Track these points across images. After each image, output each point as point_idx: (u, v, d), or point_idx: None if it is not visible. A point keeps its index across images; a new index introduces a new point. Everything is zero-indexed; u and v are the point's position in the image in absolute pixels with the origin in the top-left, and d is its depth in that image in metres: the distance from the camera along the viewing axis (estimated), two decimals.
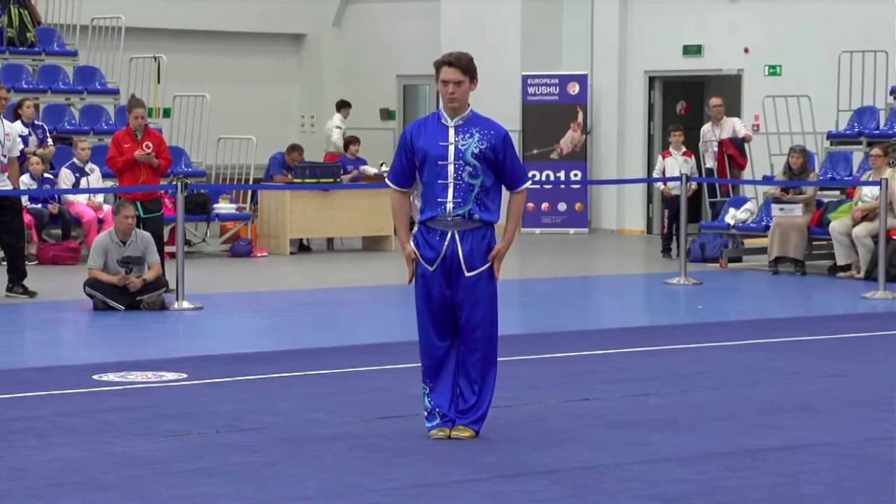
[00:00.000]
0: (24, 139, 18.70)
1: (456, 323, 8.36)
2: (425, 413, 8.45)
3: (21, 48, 22.47)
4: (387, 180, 8.57)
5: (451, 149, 8.25)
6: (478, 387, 8.37)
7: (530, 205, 25.05)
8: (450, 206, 8.23)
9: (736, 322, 14.33)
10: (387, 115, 27.66)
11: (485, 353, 8.37)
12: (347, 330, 13.86)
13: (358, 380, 10.65)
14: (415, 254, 8.34)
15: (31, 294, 15.26)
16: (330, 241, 22.01)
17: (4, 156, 15.17)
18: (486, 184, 8.28)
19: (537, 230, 24.79)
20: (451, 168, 8.23)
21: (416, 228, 8.42)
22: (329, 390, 10.16)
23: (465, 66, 8.37)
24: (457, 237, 8.28)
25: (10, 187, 15.33)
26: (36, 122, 20.13)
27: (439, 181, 8.24)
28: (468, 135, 8.29)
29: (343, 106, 24.93)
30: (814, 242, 18.75)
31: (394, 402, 9.48)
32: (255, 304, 15.90)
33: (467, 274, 8.29)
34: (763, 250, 19.03)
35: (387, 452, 8.09)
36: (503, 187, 8.46)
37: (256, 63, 27.36)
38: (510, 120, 24.78)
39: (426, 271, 8.32)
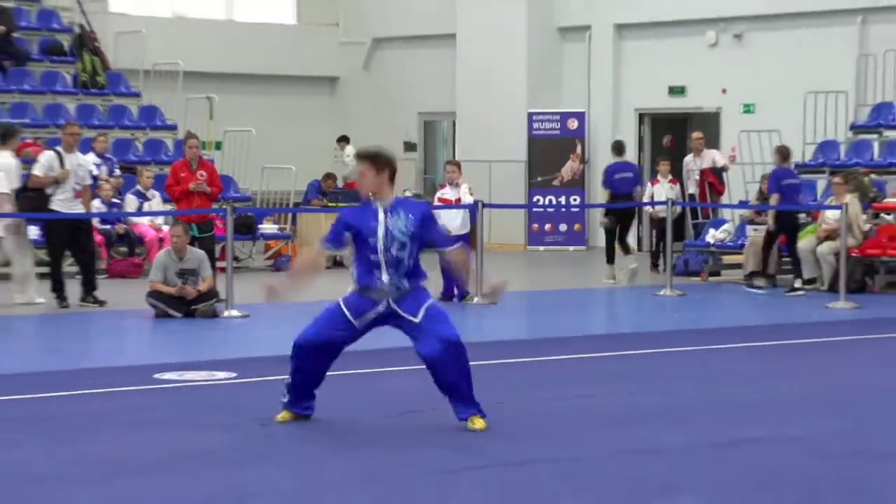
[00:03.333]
0: (98, 168, 18.77)
1: (423, 353, 8.27)
2: (287, 399, 8.45)
3: (93, 90, 22.52)
4: (319, 243, 8.47)
5: (382, 229, 8.18)
6: (465, 380, 8.28)
7: (535, 225, 25.04)
8: (385, 279, 8.20)
9: (715, 329, 14.27)
10: (409, 147, 27.66)
11: (456, 353, 8.23)
12: (375, 334, 13.82)
13: (383, 379, 10.62)
14: (275, 294, 8.45)
15: (101, 303, 15.27)
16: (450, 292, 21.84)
17: (78, 184, 15.20)
18: (414, 255, 8.26)
19: (541, 248, 24.75)
20: (380, 245, 8.16)
21: (351, 288, 8.36)
22: (358, 388, 10.14)
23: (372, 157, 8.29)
24: (392, 305, 8.26)
25: (83, 211, 15.36)
26: (106, 154, 20.17)
27: (372, 257, 8.19)
28: (396, 215, 8.21)
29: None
30: (783, 259, 18.68)
31: (412, 399, 9.44)
32: (295, 312, 15.80)
33: (417, 320, 8.25)
34: (739, 266, 18.99)
35: (407, 443, 8.06)
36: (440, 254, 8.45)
37: (296, 102, 27.39)
38: (517, 151, 24.80)
39: (343, 316, 8.28)
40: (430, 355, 8.26)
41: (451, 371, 8.27)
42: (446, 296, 16.06)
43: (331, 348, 8.40)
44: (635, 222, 24.09)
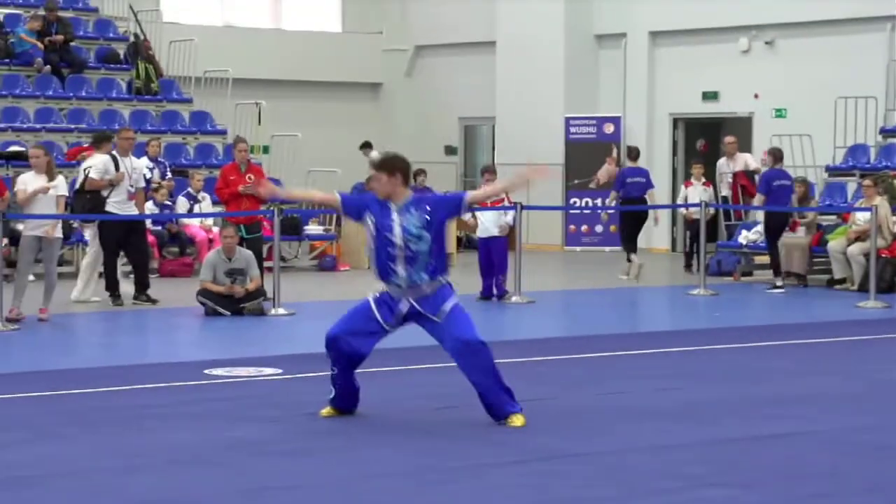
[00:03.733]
0: (151, 171, 18.90)
1: (452, 355, 8.32)
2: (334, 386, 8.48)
3: (146, 96, 22.67)
4: (337, 193, 8.58)
5: (397, 228, 8.28)
6: (496, 380, 8.30)
7: (572, 226, 25.01)
8: (402, 275, 8.26)
9: (747, 327, 14.22)
10: (450, 151, 27.69)
11: (480, 355, 8.27)
12: (412, 332, 13.84)
13: (425, 375, 10.65)
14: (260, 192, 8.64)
15: (154, 302, 15.38)
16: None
17: (132, 187, 15.31)
18: (430, 249, 8.28)
19: (578, 248, 24.72)
20: (398, 242, 8.25)
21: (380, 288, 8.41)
22: (402, 384, 10.18)
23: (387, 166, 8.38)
24: (413, 303, 8.31)
25: (136, 212, 15.48)
26: (159, 158, 20.30)
27: (390, 250, 8.27)
28: (409, 213, 8.30)
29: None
30: (814, 259, 18.61)
31: (454, 395, 9.47)
32: (340, 310, 15.84)
33: (438, 319, 8.30)
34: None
35: (448, 437, 8.09)
36: (461, 207, 8.47)
37: (341, 108, 27.47)
38: (555, 155, 24.79)
39: (375, 319, 8.34)
40: (453, 356, 8.32)
41: (475, 372, 8.29)
42: (485, 295, 16.08)
43: (360, 346, 8.38)
44: (669, 224, 24.14)
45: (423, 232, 8.28)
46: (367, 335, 8.39)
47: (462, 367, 8.33)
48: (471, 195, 8.66)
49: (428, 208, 8.33)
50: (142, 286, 15.43)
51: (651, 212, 20.05)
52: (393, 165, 8.39)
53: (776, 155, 18.27)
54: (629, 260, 19.04)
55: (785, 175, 18.26)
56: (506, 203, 16.25)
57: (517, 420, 8.32)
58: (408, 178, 8.45)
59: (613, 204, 19.58)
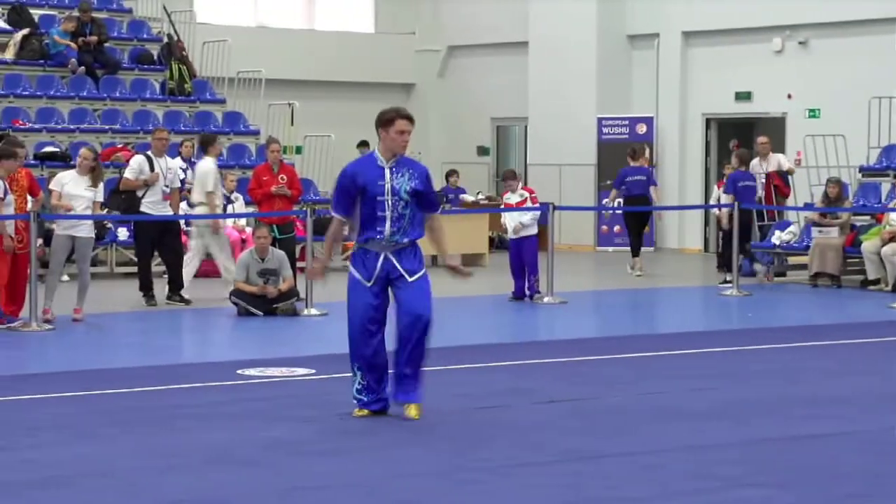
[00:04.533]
0: (184, 172, 18.91)
1: (399, 319, 8.48)
2: (362, 397, 8.50)
3: (180, 97, 22.72)
4: (332, 212, 8.69)
5: (388, 186, 8.42)
6: (417, 364, 8.50)
7: (604, 227, 24.94)
8: (387, 233, 8.43)
9: (781, 328, 14.14)
10: (482, 151, 27.65)
11: (425, 335, 8.49)
12: (449, 333, 13.83)
13: (459, 375, 10.63)
14: (325, 269, 8.89)
15: (187, 302, 15.41)
16: (434, 257, 21.97)
17: (167, 187, 15.33)
18: (415, 212, 8.49)
19: (610, 249, 24.64)
20: (388, 202, 8.41)
21: (354, 248, 8.67)
22: (435, 384, 10.14)
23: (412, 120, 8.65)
24: (391, 257, 8.47)
25: (171, 213, 15.50)
26: (192, 159, 20.32)
27: (378, 213, 8.41)
28: (401, 174, 8.45)
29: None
30: (848, 260, 18.49)
31: (489, 395, 9.45)
32: None
33: (410, 279, 8.48)
34: (804, 267, 18.82)
35: (481, 437, 8.06)
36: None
37: (373, 108, 27.12)
38: (587, 155, 24.72)
39: (362, 285, 8.48)
40: (401, 323, 8.45)
41: (409, 345, 8.43)
42: (517, 295, 16.03)
43: (372, 320, 8.47)
44: (702, 224, 24.03)
45: (409, 198, 8.43)
46: (370, 303, 8.46)
47: (401, 335, 8.45)
48: (431, 226, 8.68)
49: (416, 177, 8.46)
50: (175, 286, 15.45)
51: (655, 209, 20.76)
52: (403, 112, 8.67)
53: (742, 157, 19.16)
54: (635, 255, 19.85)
55: (750, 177, 19.10)
56: (528, 203, 16.13)
57: (414, 410, 8.43)
58: (408, 120, 8.63)
59: (614, 204, 19.96)
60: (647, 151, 24.30)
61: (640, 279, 19.30)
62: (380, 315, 8.53)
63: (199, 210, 16.06)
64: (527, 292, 16.04)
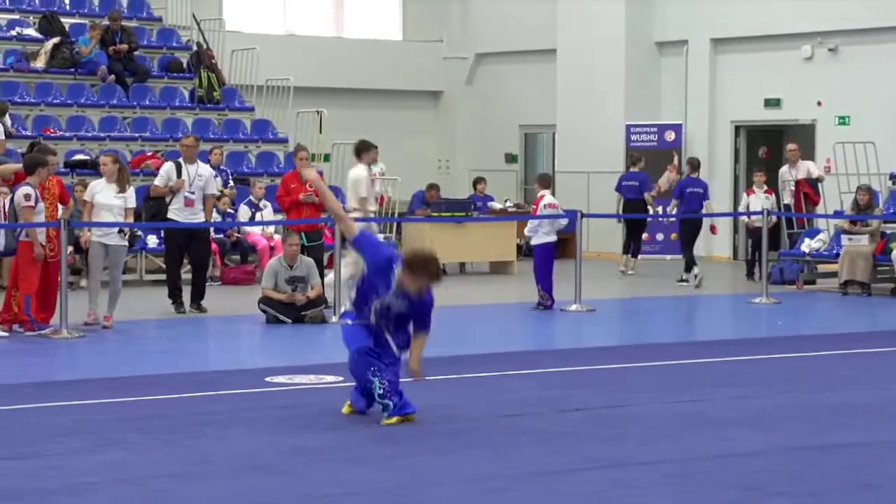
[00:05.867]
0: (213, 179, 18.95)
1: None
2: (388, 402, 8.58)
3: (209, 105, 22.80)
4: (357, 229, 8.83)
5: (387, 299, 8.57)
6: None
7: (645, 234, 24.84)
8: (373, 321, 8.64)
9: (811, 336, 14.07)
10: (510, 159, 27.63)
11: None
12: (478, 340, 13.83)
13: (487, 383, 10.61)
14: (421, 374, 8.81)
15: (203, 310, 15.30)
16: (462, 265, 22.01)
17: (192, 193, 15.31)
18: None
19: (638, 257, 24.55)
20: (378, 305, 8.61)
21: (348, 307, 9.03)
22: (462, 391, 10.14)
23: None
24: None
25: (201, 219, 15.46)
26: (221, 166, 20.40)
27: (371, 303, 8.61)
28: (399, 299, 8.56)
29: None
30: (878, 268, 18.39)
31: (517, 403, 9.43)
32: None
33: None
34: (834, 275, 18.72)
35: (509, 445, 8.05)
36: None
37: (401, 115, 27.50)
38: (615, 163, 24.66)
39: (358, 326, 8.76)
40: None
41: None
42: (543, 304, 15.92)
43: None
44: (731, 232, 23.96)
45: (399, 311, 8.57)
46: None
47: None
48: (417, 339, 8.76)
49: (413, 307, 8.58)
50: (198, 294, 15.39)
51: (708, 222, 21.28)
52: (433, 273, 8.57)
53: (693, 164, 20.15)
54: (630, 254, 21.11)
55: (699, 183, 19.85)
56: (541, 212, 16.01)
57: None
58: (432, 283, 8.61)
59: (674, 212, 19.97)
60: (676, 159, 24.30)
61: (670, 287, 19.22)
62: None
63: (353, 216, 16.07)
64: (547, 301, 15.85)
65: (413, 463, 7.59)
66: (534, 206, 16.53)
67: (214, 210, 18.64)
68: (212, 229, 17.15)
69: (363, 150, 16.19)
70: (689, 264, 19.44)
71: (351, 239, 8.89)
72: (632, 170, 21.54)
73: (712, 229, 22.80)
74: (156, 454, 7.82)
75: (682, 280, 19.43)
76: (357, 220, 15.74)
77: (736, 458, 7.68)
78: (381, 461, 7.63)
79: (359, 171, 16.03)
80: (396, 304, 8.55)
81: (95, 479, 7.18)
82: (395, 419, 8.55)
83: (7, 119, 19.71)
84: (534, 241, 16.03)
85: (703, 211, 19.72)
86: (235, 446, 8.01)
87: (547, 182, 16.55)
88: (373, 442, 8.15)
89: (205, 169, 15.88)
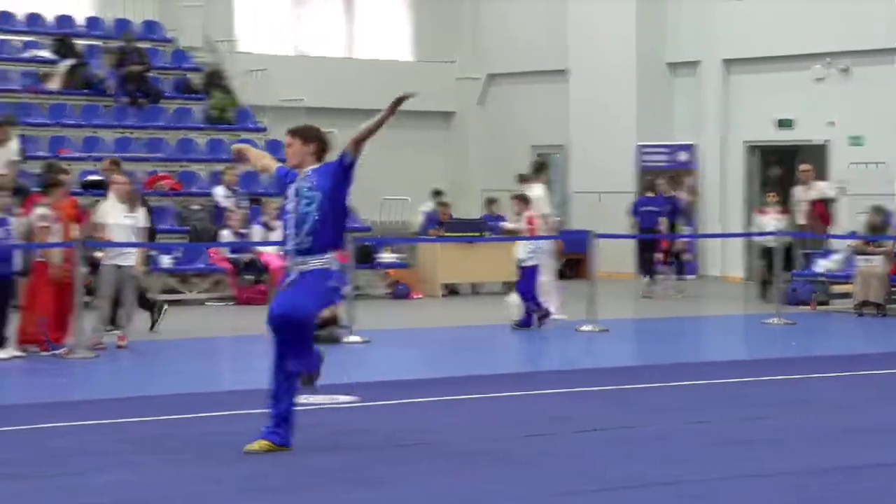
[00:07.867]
0: (226, 200, 18.89)
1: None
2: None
3: (222, 125, 22.76)
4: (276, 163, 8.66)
5: (292, 189, 8.31)
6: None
7: (658, 255, 24.69)
8: (292, 239, 8.26)
9: (827, 357, 13.92)
10: (523, 179, 27.49)
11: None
12: (491, 360, 13.72)
13: (502, 403, 10.49)
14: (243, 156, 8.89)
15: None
16: (474, 285, 21.90)
17: None
18: (324, 215, 8.25)
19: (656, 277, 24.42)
20: (290, 204, 8.29)
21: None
22: (477, 412, 10.02)
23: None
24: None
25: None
26: (234, 187, 20.33)
27: (284, 216, 8.34)
28: (306, 179, 8.30)
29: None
30: (893, 288, 18.26)
31: (533, 423, 9.31)
32: (414, 338, 15.83)
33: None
34: (848, 295, 18.60)
35: (524, 466, 7.92)
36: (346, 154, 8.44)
37: (413, 136, 27.40)
38: (627, 183, 24.54)
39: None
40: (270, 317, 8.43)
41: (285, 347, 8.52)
42: (524, 324, 15.83)
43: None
44: (745, 252, 23.87)
45: (313, 193, 8.25)
46: None
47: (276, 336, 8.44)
48: (350, 140, 8.49)
49: (319, 175, 8.31)
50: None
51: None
52: (307, 134, 8.43)
53: (648, 185, 21.56)
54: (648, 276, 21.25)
55: (655, 202, 21.03)
56: (521, 233, 16.08)
57: (258, 445, 8.13)
58: (322, 151, 8.41)
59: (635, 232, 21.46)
60: (690, 180, 24.18)
61: (685, 308, 19.11)
62: None
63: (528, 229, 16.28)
64: (535, 320, 15.80)
65: (428, 483, 7.46)
66: (529, 227, 16.35)
67: (228, 230, 18.52)
68: (225, 250, 17.02)
69: (540, 171, 17.52)
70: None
71: (274, 175, 8.67)
72: (648, 195, 21.63)
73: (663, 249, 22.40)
74: (166, 475, 7.71)
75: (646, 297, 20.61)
76: (532, 238, 15.86)
77: (755, 479, 7.54)
78: (395, 482, 7.51)
79: (537, 189, 16.89)
80: (301, 184, 8.22)
81: (104, 500, 7.07)
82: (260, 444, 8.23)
83: (13, 144, 19.29)
84: (528, 263, 15.93)
85: (658, 228, 20.93)
86: (245, 467, 7.89)
87: (540, 170, 16.77)
88: (387, 462, 8.03)
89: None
